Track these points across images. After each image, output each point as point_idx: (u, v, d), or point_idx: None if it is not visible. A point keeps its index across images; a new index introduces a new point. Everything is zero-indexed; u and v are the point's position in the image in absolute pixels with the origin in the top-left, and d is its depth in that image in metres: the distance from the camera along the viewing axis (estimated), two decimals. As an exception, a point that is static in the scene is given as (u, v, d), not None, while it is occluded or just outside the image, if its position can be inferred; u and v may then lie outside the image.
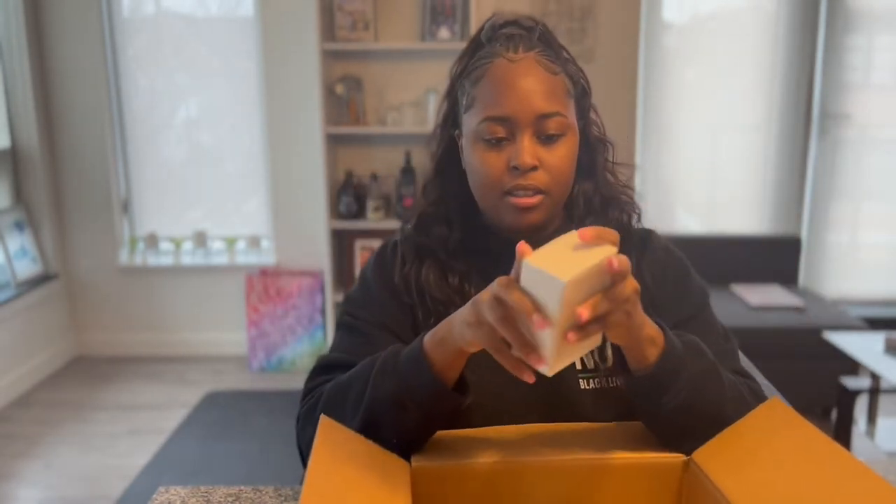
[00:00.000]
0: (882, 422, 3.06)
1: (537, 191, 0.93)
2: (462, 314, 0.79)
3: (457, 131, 1.01)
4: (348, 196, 3.61)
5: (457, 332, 0.79)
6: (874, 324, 3.32)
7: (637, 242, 1.01)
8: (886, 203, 4.00)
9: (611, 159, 1.03)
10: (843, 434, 2.74)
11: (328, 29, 3.51)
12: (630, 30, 3.60)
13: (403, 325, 0.99)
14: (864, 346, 2.73)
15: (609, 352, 0.96)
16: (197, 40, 3.91)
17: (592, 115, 1.02)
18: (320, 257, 3.75)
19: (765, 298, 3.38)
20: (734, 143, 3.95)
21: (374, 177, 3.64)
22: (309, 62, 3.54)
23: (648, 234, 1.04)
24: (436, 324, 0.91)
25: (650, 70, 3.79)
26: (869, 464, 0.71)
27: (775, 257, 3.77)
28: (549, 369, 0.72)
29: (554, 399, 0.94)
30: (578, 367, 0.95)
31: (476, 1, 3.45)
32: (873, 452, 2.86)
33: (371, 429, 0.81)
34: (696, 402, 0.81)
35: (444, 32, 3.53)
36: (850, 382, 2.79)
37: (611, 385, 0.95)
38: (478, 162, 0.95)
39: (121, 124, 3.95)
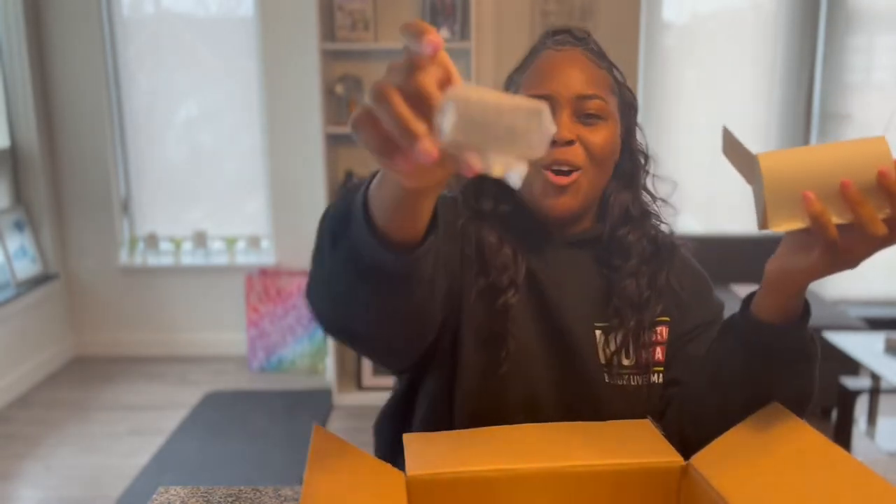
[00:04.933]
0: (882, 422, 3.06)
1: (573, 167, 0.93)
2: None
3: None
4: (348, 196, 3.61)
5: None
6: (874, 324, 3.31)
7: (666, 254, 1.03)
8: (886, 203, 3.99)
9: (652, 172, 1.06)
10: (843, 434, 2.74)
11: (328, 29, 3.51)
12: (630, 30, 3.60)
13: (451, 260, 0.95)
14: (864, 347, 2.73)
15: (632, 349, 0.98)
16: (197, 40, 3.91)
17: (637, 132, 1.04)
18: (320, 257, 3.75)
19: (765, 298, 3.38)
20: (734, 144, 3.94)
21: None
22: (309, 62, 3.53)
23: (675, 246, 1.05)
24: (486, 288, 0.94)
25: (650, 70, 3.79)
26: (869, 464, 0.71)
27: (775, 257, 3.76)
28: (769, 222, 0.71)
29: (578, 389, 0.96)
30: (603, 361, 0.97)
31: (476, 1, 3.45)
32: (873, 452, 2.87)
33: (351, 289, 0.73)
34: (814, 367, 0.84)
35: (444, 32, 3.52)
36: (850, 382, 2.79)
37: (633, 384, 0.97)
38: None
39: (121, 124, 3.95)
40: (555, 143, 0.92)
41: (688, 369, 0.96)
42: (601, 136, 0.94)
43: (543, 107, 0.51)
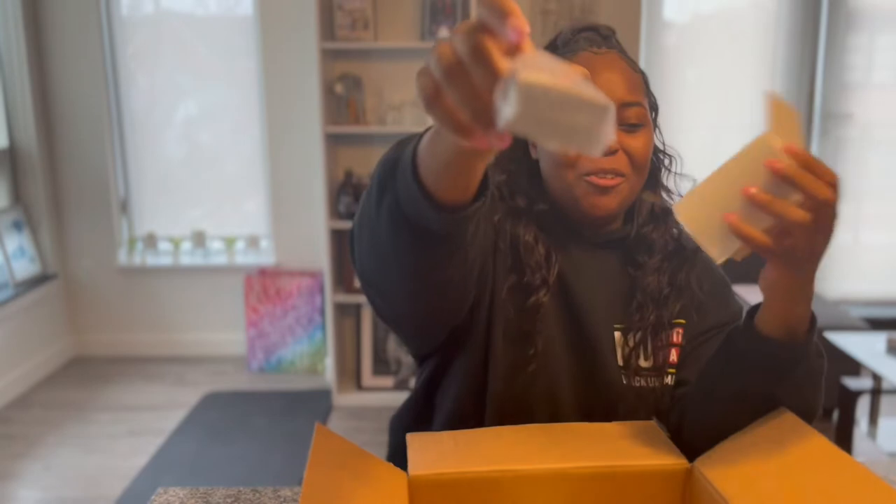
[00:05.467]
0: (884, 422, 3.05)
1: (617, 173, 0.94)
2: None
3: None
4: (348, 196, 3.60)
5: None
6: (876, 324, 3.31)
7: (688, 254, 1.04)
8: (888, 203, 3.99)
9: (674, 170, 1.07)
10: (844, 435, 2.74)
11: (328, 28, 3.50)
12: (630, 30, 3.60)
13: (486, 247, 0.94)
14: (865, 347, 2.73)
15: (650, 349, 0.98)
16: (196, 40, 3.91)
17: (658, 131, 1.05)
18: (320, 257, 3.74)
19: (766, 298, 3.37)
20: (734, 143, 3.92)
21: (374, 176, 3.63)
22: (308, 61, 3.53)
23: (698, 248, 1.04)
24: (518, 285, 0.94)
25: (650, 70, 3.78)
26: (870, 464, 0.71)
27: (776, 257, 3.76)
28: (716, 259, 0.73)
29: (595, 388, 0.97)
30: (621, 363, 0.98)
31: (476, 0, 3.44)
32: (875, 453, 2.86)
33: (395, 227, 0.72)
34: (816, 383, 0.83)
35: (444, 32, 3.52)
36: (851, 383, 2.79)
37: (649, 385, 0.97)
38: None
39: (120, 124, 3.94)
40: None
41: (698, 370, 0.96)
42: (642, 143, 0.95)
43: (611, 106, 0.48)
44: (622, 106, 0.93)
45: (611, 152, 0.93)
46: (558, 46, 1.02)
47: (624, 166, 0.94)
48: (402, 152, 0.69)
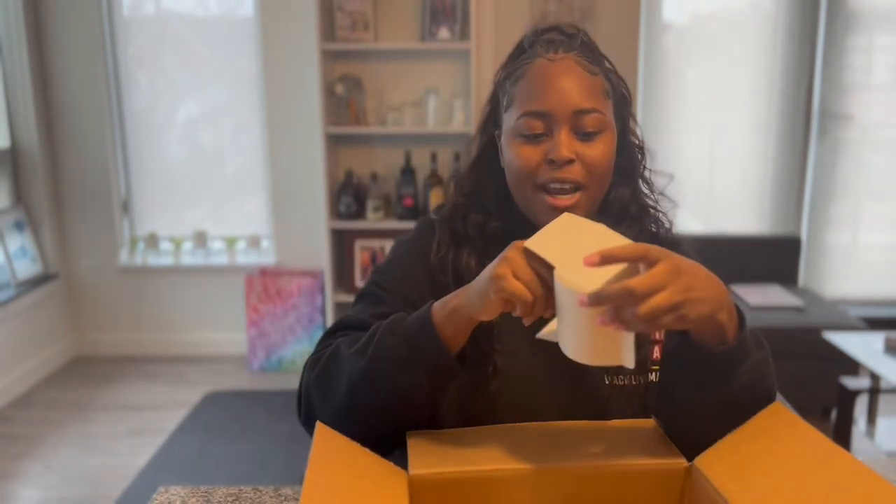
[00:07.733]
0: (882, 422, 3.06)
1: (575, 186, 0.93)
2: (479, 286, 0.83)
3: (497, 131, 1.03)
4: (348, 196, 3.61)
5: (473, 303, 0.83)
6: (874, 324, 3.32)
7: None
8: (887, 203, 4.00)
9: (649, 167, 1.05)
10: (842, 434, 2.74)
11: (328, 29, 3.51)
12: (630, 30, 3.60)
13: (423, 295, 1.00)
14: (863, 346, 2.73)
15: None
16: (197, 40, 3.91)
17: (632, 124, 1.03)
18: (320, 257, 3.75)
19: (765, 298, 3.38)
20: (734, 143, 3.95)
21: (374, 177, 3.64)
22: (309, 62, 3.54)
23: (676, 243, 1.04)
24: None
25: (650, 70, 3.79)
26: (869, 464, 0.71)
27: (775, 257, 3.77)
28: (571, 353, 0.78)
29: (578, 392, 0.96)
30: None
31: (476, 1, 3.45)
32: (873, 452, 2.87)
33: (369, 384, 0.86)
34: (755, 387, 0.82)
35: (444, 32, 3.52)
36: (849, 382, 2.79)
37: (633, 383, 0.97)
38: (514, 156, 0.96)
39: (121, 124, 3.95)
40: (553, 162, 0.93)
41: None
42: (599, 150, 0.94)
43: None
44: (577, 113, 0.93)
45: (567, 161, 0.92)
46: (525, 48, 1.00)
47: (580, 176, 0.93)
48: (417, 340, 0.85)
